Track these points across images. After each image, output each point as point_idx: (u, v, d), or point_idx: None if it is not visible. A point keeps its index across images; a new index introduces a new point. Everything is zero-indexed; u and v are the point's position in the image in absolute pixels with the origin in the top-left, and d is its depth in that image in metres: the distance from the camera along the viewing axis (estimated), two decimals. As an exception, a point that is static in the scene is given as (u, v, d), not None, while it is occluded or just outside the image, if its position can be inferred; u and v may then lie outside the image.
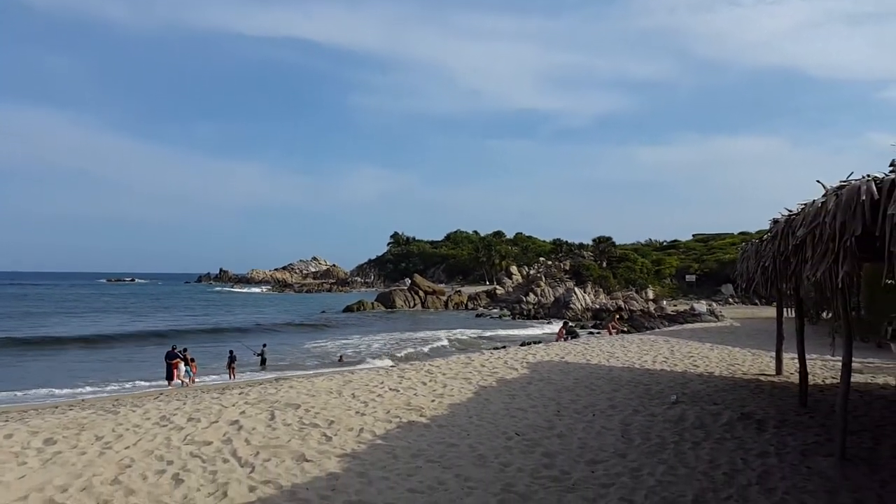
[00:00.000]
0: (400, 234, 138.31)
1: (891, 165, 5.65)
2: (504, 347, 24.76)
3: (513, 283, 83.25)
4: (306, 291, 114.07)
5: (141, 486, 6.10)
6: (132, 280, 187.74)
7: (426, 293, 74.38)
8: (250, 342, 31.66)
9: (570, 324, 36.13)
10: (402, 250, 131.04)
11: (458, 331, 43.12)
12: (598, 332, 36.45)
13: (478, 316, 60.38)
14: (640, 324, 42.17)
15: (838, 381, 7.94)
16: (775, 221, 8.38)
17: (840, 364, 7.27)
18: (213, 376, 24.42)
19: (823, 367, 14.30)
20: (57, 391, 21.27)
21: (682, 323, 40.49)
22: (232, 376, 23.96)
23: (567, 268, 76.54)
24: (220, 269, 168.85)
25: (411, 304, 71.74)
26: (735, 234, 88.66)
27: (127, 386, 22.65)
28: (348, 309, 65.78)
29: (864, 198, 5.33)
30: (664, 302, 57.70)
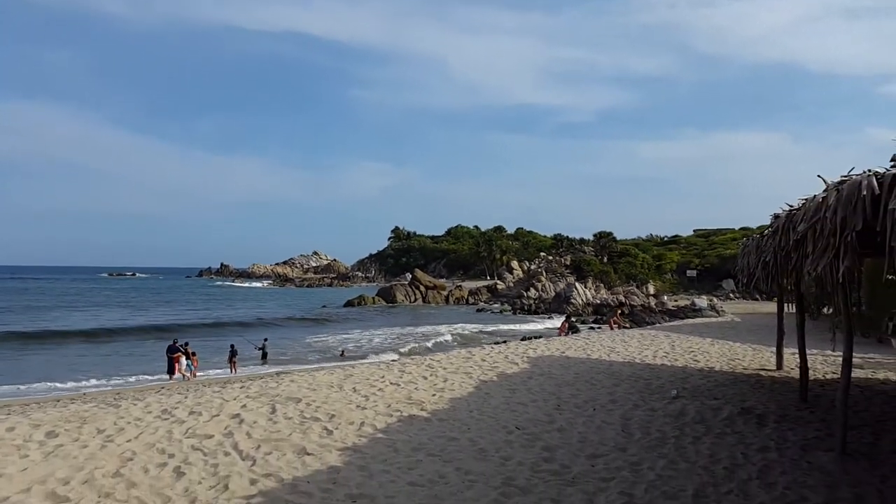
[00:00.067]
0: (401, 228, 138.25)
1: (891, 160, 5.64)
2: (505, 342, 24.76)
3: (513, 278, 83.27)
4: (307, 286, 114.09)
5: (142, 479, 6.12)
6: (133, 274, 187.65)
7: (427, 288, 74.36)
8: (251, 336, 31.68)
9: (572, 318, 36.15)
10: (403, 245, 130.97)
11: (458, 326, 43.12)
12: (598, 328, 36.47)
13: (478, 311, 60.37)
14: (640, 319, 42.16)
15: (839, 376, 7.95)
16: (776, 216, 8.37)
17: (840, 359, 7.28)
18: (215, 370, 24.45)
19: (824, 363, 14.31)
20: (58, 385, 21.29)
21: (682, 318, 40.52)
22: (233, 370, 23.98)
23: (568, 263, 76.61)
24: (221, 264, 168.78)
25: (412, 299, 71.75)
26: (736, 229, 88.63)
27: (129, 380, 22.68)
28: (349, 303, 65.82)
29: (864, 193, 5.32)
30: (665, 297, 57.67)
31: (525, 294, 64.56)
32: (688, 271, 75.39)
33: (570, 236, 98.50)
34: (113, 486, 5.90)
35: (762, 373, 13.13)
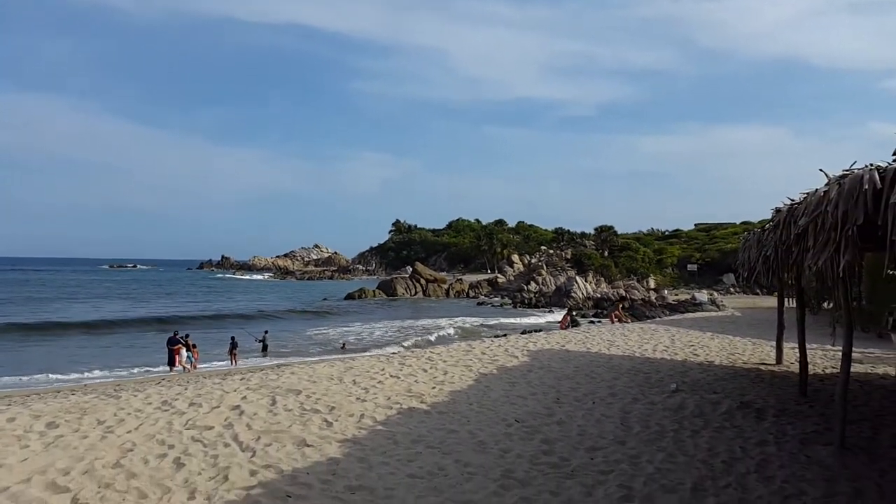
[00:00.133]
0: (401, 221, 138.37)
1: (893, 154, 5.62)
2: (505, 335, 24.81)
3: (514, 271, 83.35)
4: (308, 279, 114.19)
5: (142, 470, 6.13)
6: (134, 266, 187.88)
7: (427, 281, 74.42)
8: (252, 329, 31.74)
9: (573, 312, 36.13)
10: (404, 238, 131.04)
11: (459, 319, 43.18)
12: (599, 321, 36.49)
13: (479, 304, 60.43)
14: (641, 313, 42.20)
15: (838, 370, 7.95)
16: (777, 210, 8.36)
17: (840, 354, 7.28)
18: (216, 362, 24.49)
19: (824, 357, 14.31)
20: (59, 376, 21.36)
21: (683, 312, 40.55)
22: (233, 362, 24.04)
23: (568, 256, 76.55)
24: (222, 256, 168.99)
25: (412, 292, 71.81)
26: (737, 223, 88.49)
27: (129, 371, 22.74)
28: (350, 296, 65.91)
29: (866, 187, 5.31)
30: (665, 291, 57.71)
31: (525, 288, 64.62)
32: (688, 265, 75.35)
33: (570, 230, 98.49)
34: (113, 477, 5.91)
35: (762, 367, 13.14)
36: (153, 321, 40.53)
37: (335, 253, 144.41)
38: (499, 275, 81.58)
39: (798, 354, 10.48)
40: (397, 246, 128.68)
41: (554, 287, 61.87)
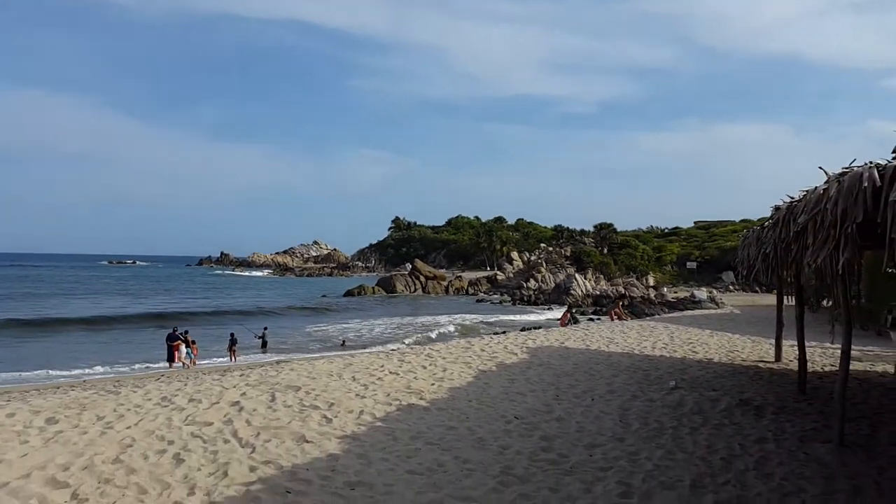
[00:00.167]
0: (401, 218, 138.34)
1: (893, 152, 5.62)
2: (504, 332, 24.81)
3: (513, 268, 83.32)
4: (307, 275, 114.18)
5: (142, 466, 6.14)
6: (133, 262, 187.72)
7: (427, 278, 74.41)
8: (251, 325, 31.74)
9: (573, 309, 36.15)
10: (404, 235, 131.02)
11: (458, 316, 43.19)
12: (598, 319, 36.51)
13: (478, 301, 60.44)
14: (640, 310, 42.22)
15: (837, 368, 7.96)
16: (777, 208, 8.36)
17: (839, 352, 7.29)
18: (215, 359, 24.49)
19: (823, 355, 14.33)
20: (58, 372, 21.35)
21: (682, 310, 40.56)
22: (233, 359, 24.05)
23: (568, 254, 76.57)
24: (221, 253, 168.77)
25: (412, 289, 71.82)
26: (736, 221, 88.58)
27: (128, 368, 22.74)
28: (349, 293, 65.91)
29: (865, 184, 5.30)
30: (664, 289, 57.72)
31: (525, 285, 64.63)
32: (688, 263, 75.37)
33: (570, 227, 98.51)
34: (112, 473, 5.92)
35: (761, 364, 13.16)
36: (152, 317, 40.53)
37: (334, 250, 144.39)
38: (498, 272, 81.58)
39: (797, 352, 10.49)
40: (397, 243, 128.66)
41: (553, 284, 61.89)
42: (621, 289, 55.99)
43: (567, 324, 26.81)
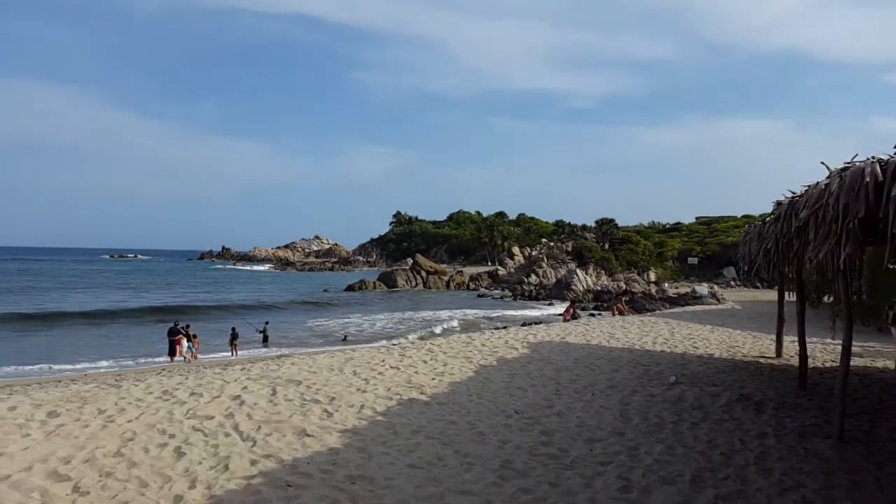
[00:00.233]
0: (402, 213, 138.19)
1: (895, 147, 5.61)
2: (505, 327, 24.83)
3: (515, 263, 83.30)
4: (308, 270, 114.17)
5: (143, 459, 6.16)
6: (135, 256, 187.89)
7: (428, 273, 74.41)
8: (253, 319, 31.77)
9: (576, 304, 36.08)
10: (405, 230, 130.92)
11: (459, 311, 43.21)
12: (599, 314, 36.50)
13: (479, 296, 60.46)
14: (641, 306, 42.20)
15: (838, 364, 7.96)
16: (778, 203, 8.35)
17: (840, 347, 7.29)
18: (216, 353, 24.53)
19: (823, 351, 14.34)
20: (59, 366, 21.40)
21: (683, 305, 40.54)
22: (234, 353, 24.09)
23: (569, 249, 76.52)
24: (223, 247, 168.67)
25: (413, 284, 71.82)
26: (738, 216, 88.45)
27: (130, 362, 22.79)
28: (350, 288, 65.88)
29: (867, 179, 5.30)
30: (665, 284, 57.69)
31: (526, 280, 64.62)
32: (689, 259, 75.32)
33: (571, 222, 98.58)
34: (114, 466, 5.94)
35: (761, 360, 13.16)
36: (153, 311, 40.54)
37: (336, 244, 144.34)
38: (499, 267, 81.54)
39: (798, 348, 10.49)
40: (398, 237, 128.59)
41: (554, 279, 61.86)
42: (622, 284, 55.95)
43: (570, 319, 26.82)
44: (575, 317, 29.03)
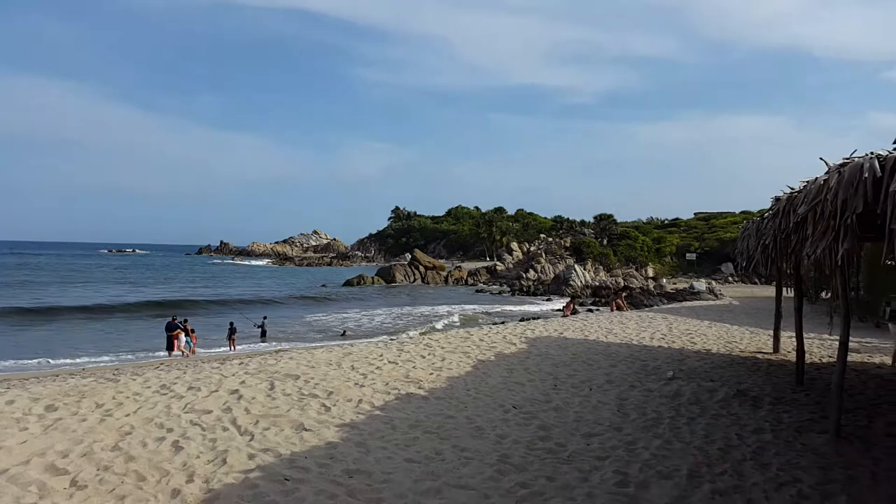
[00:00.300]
0: (401, 208, 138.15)
1: (894, 143, 5.60)
2: (503, 323, 24.85)
3: (513, 259, 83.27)
4: (307, 265, 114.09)
5: (141, 453, 6.16)
6: (133, 251, 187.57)
7: (426, 268, 74.37)
8: (251, 314, 31.75)
9: (577, 300, 36.07)
10: (403, 225, 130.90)
11: (458, 306, 43.20)
12: (597, 309, 36.53)
13: (477, 291, 60.41)
14: (639, 301, 42.23)
15: (835, 359, 7.98)
16: (777, 199, 8.35)
17: (837, 343, 7.30)
18: (214, 348, 24.52)
19: (821, 346, 14.36)
20: (57, 360, 21.38)
21: (681, 301, 40.55)
22: (232, 347, 24.08)
23: (568, 245, 76.49)
24: (221, 242, 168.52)
25: (411, 279, 71.80)
26: (736, 212, 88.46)
27: (127, 356, 22.77)
28: (348, 283, 65.86)
29: (866, 175, 5.29)
30: (664, 280, 57.74)
31: (524, 275, 64.61)
32: (687, 254, 75.30)
33: (570, 218, 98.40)
34: (111, 460, 5.94)
35: (759, 355, 13.18)
36: (152, 306, 40.52)
37: (334, 239, 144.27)
38: (498, 262, 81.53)
39: (795, 343, 10.51)
40: (396, 233, 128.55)
41: (553, 275, 61.89)
42: (620, 280, 56.01)
43: (571, 314, 26.84)
44: (575, 312, 29.05)
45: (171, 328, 22.55)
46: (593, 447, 6.70)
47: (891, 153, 5.33)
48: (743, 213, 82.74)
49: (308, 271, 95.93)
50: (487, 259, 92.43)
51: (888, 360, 12.52)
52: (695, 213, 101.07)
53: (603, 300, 44.56)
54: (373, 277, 70.02)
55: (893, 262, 13.07)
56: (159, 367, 15.09)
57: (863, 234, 5.96)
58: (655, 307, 33.90)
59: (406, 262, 78.26)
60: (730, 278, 61.92)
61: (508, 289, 59.82)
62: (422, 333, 26.07)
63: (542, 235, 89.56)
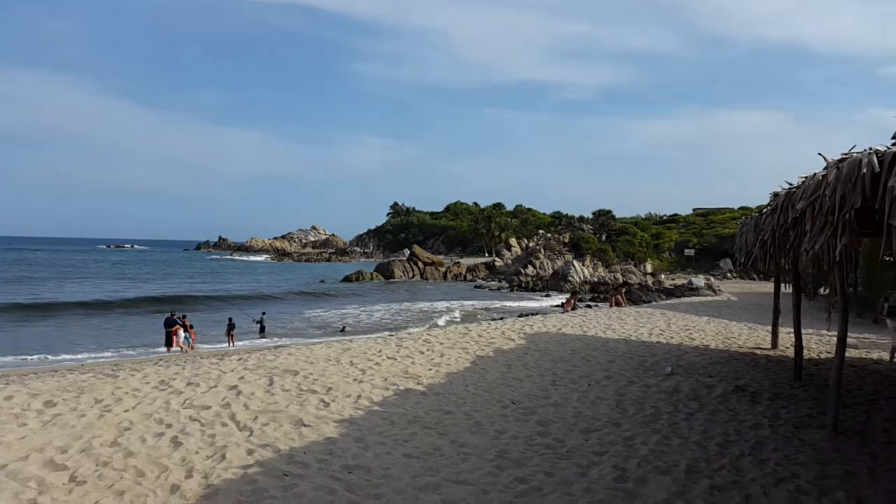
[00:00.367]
0: (399, 204, 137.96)
1: (893, 138, 5.60)
2: (502, 318, 24.86)
3: (512, 255, 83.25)
4: (305, 260, 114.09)
5: (140, 449, 6.17)
6: (132, 247, 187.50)
7: (425, 264, 74.40)
8: (250, 310, 31.75)
9: (577, 295, 36.03)
10: (402, 221, 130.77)
11: (456, 302, 43.24)
12: (595, 305, 36.55)
13: (476, 287, 60.47)
14: (637, 297, 42.27)
15: (833, 355, 7.99)
16: (775, 195, 8.35)
17: (835, 339, 7.31)
18: (213, 344, 24.53)
19: (819, 342, 14.39)
20: (56, 356, 21.38)
21: (679, 296, 40.60)
22: (231, 343, 24.09)
23: (566, 240, 76.49)
24: (220, 237, 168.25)
25: (410, 275, 71.81)
26: (735, 208, 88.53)
27: (126, 352, 22.77)
28: (347, 279, 65.86)
29: (864, 171, 5.29)
30: (662, 276, 57.79)
31: (523, 271, 64.63)
32: (686, 250, 75.37)
33: (569, 214, 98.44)
34: (110, 455, 5.94)
35: (757, 351, 13.20)
36: (150, 301, 40.50)
37: (333, 235, 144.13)
38: (496, 258, 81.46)
39: (793, 339, 10.52)
40: (395, 228, 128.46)
41: (551, 271, 61.91)
42: (619, 276, 56.04)
43: (572, 309, 26.84)
44: (575, 308, 29.05)
45: (169, 324, 22.55)
46: (592, 443, 6.71)
47: (889, 148, 5.32)
48: (741, 208, 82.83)
49: (307, 267, 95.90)
50: (486, 255, 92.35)
51: (886, 355, 12.55)
52: (693, 209, 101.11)
53: (602, 296, 44.60)
54: (371, 273, 70.02)
55: (891, 258, 13.09)
56: (158, 363, 15.09)
57: (861, 229, 5.96)
58: (654, 303, 33.94)
59: (405, 258, 78.25)
60: (728, 274, 61.99)
61: (507, 285, 59.87)
62: (425, 330, 26.10)
63: (540, 231, 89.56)
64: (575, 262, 60.99)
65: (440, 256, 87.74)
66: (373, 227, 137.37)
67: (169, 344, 22.26)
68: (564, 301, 32.10)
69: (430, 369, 10.65)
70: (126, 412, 7.46)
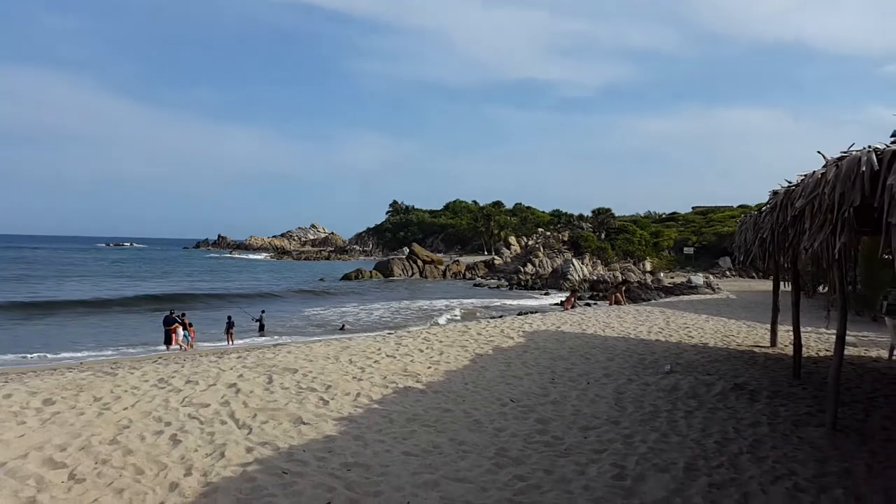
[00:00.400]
0: (399, 202, 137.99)
1: (892, 136, 5.60)
2: (501, 317, 24.87)
3: (511, 253, 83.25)
4: (305, 259, 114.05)
5: (139, 447, 6.16)
6: (131, 245, 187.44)
7: (424, 262, 74.40)
8: (249, 308, 31.74)
9: (577, 293, 36.04)
10: (401, 219, 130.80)
11: (455, 300, 43.24)
12: (595, 304, 36.57)
13: (475, 286, 60.46)
14: (636, 295, 42.28)
15: (832, 353, 8.00)
16: (775, 193, 8.36)
17: (834, 337, 7.32)
18: (212, 342, 24.52)
19: (818, 340, 14.40)
20: (55, 354, 21.37)
21: (678, 295, 40.62)
22: (230, 341, 24.08)
23: (566, 239, 76.50)
24: (219, 236, 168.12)
25: (409, 273, 71.80)
26: (734, 207, 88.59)
27: (125, 350, 22.77)
28: (346, 277, 65.83)
29: (863, 169, 5.29)
30: (661, 274, 57.82)
31: (522, 269, 64.63)
32: (685, 248, 75.43)
33: (568, 212, 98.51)
34: (109, 453, 5.94)
35: (756, 349, 13.21)
36: (149, 300, 40.46)
37: (332, 233, 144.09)
38: (495, 256, 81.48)
39: (792, 337, 10.53)
40: (394, 227, 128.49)
41: (551, 269, 61.92)
42: (618, 274, 56.07)
43: (573, 307, 26.86)
44: (575, 306, 29.05)
45: (168, 322, 22.55)
46: (590, 440, 6.72)
47: (888, 146, 5.33)
48: (741, 206, 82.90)
49: (306, 265, 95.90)
50: (485, 253, 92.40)
51: (885, 353, 12.56)
52: (693, 207, 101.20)
53: (601, 294, 44.62)
54: (371, 271, 70.00)
55: (890, 256, 13.10)
56: (157, 361, 15.09)
57: (860, 227, 5.97)
58: (653, 301, 33.96)
59: (404, 256, 78.26)
60: (727, 272, 62.03)
61: (506, 283, 59.86)
62: (426, 329, 26.08)
63: (539, 229, 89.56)
64: (574, 260, 60.98)
65: (439, 255, 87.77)
66: (372, 226, 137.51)
67: (168, 342, 22.26)
68: (564, 299, 32.12)
69: (429, 367, 10.65)
70: (125, 410, 7.46)
